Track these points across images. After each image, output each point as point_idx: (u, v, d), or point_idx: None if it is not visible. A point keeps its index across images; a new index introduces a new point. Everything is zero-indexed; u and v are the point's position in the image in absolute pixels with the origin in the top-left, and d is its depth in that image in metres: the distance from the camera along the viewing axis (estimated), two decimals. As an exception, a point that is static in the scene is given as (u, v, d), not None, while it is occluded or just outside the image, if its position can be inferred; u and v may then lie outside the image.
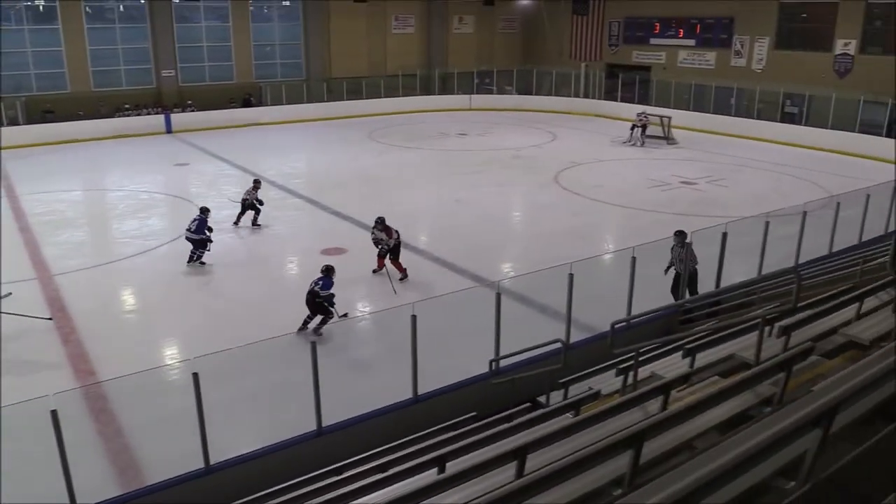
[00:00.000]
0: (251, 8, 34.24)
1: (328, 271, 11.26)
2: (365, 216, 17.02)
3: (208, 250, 14.30)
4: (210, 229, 14.37)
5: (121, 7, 31.56)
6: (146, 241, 16.05)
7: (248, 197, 16.95)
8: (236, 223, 16.92)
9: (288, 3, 35.65)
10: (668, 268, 11.84)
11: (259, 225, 17.01)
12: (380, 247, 13.55)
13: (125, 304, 12.98)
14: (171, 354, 10.95)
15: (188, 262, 14.27)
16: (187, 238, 14.35)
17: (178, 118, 30.72)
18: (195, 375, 6.93)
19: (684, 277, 11.58)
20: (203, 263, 14.32)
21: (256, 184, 17.29)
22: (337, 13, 35.92)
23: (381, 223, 13.62)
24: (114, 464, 8.11)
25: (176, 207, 19.27)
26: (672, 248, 11.88)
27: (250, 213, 16.85)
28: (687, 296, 11.48)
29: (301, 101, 33.78)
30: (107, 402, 9.17)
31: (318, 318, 11.26)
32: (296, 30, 35.85)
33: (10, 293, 11.31)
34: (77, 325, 11.63)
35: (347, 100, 34.67)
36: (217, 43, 33.69)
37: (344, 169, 23.42)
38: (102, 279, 13.82)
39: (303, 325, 11.24)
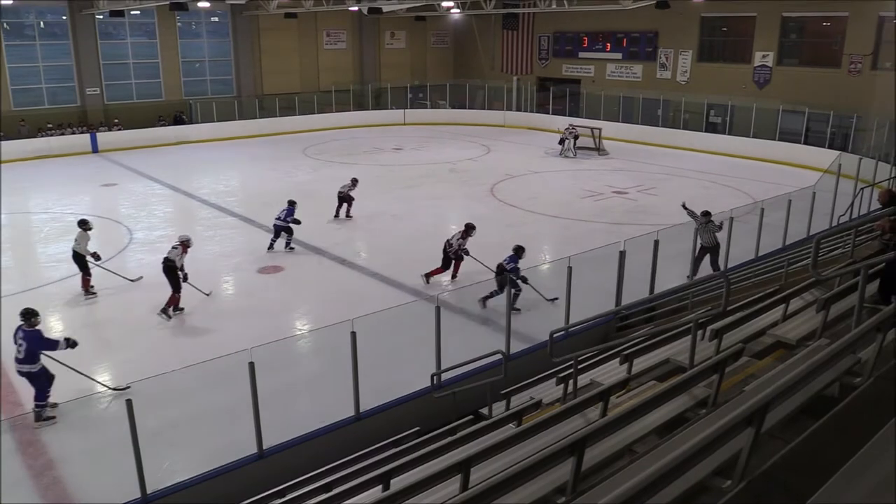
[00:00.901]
0: (179, 24, 33.63)
1: (517, 251, 12.33)
2: (301, 233, 16.87)
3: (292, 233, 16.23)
4: (297, 221, 16.11)
5: (41, 23, 30.57)
6: (74, 264, 15.50)
7: (343, 191, 18.93)
8: (336, 215, 18.96)
9: (217, 20, 35.13)
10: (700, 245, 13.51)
11: (351, 216, 18.96)
12: (462, 254, 13.87)
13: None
14: (103, 381, 10.57)
15: (268, 248, 16.14)
16: (276, 225, 16.10)
17: (104, 137, 29.87)
18: (129, 402, 6.72)
19: (717, 250, 13.47)
20: (293, 248, 16.22)
21: (354, 181, 19.20)
22: (267, 29, 35.60)
23: (474, 229, 13.99)
24: (44, 497, 7.78)
25: (104, 229, 18.67)
26: (699, 226, 13.46)
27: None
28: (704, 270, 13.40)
29: (232, 118, 33.26)
30: (35, 434, 8.80)
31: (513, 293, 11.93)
32: (225, 46, 35.37)
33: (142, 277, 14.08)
34: (2, 352, 11.12)
35: (280, 116, 34.32)
36: (144, 60, 32.97)
37: (278, 186, 23.12)
38: (29, 305, 13.26)
39: (487, 295, 12.42)
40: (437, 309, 9.10)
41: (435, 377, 9.05)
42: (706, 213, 13.57)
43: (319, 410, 8.86)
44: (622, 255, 11.57)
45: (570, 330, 9.82)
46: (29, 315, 9.08)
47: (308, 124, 34.52)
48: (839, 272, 7.03)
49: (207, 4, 30.32)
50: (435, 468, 4.71)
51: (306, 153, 29.35)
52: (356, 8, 30.92)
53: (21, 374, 9.06)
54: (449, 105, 38.78)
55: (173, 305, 12.54)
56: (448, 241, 13.93)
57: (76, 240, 13.60)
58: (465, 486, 4.48)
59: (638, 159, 27.44)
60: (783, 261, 11.29)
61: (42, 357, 9.09)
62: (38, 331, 9.11)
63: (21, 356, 8.88)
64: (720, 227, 13.38)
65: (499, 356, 8.88)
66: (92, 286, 13.72)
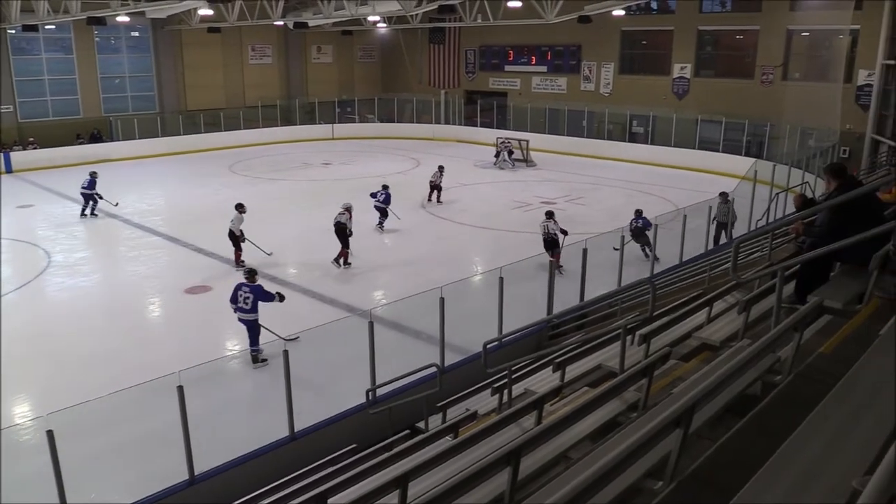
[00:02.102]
0: (97, 39, 32.63)
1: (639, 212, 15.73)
2: (229, 252, 16.54)
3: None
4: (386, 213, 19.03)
5: (-53, 39, 29.20)
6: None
7: (433, 180, 22.26)
8: (429, 201, 22.26)
9: (137, 34, 34.24)
10: (713, 219, 15.96)
11: (441, 202, 22.23)
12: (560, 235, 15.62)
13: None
14: (21, 412, 10.11)
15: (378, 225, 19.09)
16: (376, 207, 19.01)
17: (18, 157, 28.65)
18: (50, 433, 6.43)
19: (729, 229, 16.04)
20: (382, 228, 19.14)
21: (441, 169, 22.50)
22: (190, 44, 34.88)
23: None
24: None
25: (21, 253, 17.92)
26: (718, 206, 16.06)
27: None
28: (724, 238, 16.05)
29: (155, 135, 32.41)
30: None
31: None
32: (146, 61, 34.49)
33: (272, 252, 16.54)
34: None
35: (205, 132, 33.62)
36: (60, 76, 31.81)
37: (205, 203, 22.63)
38: None
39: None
40: (371, 324, 9.06)
41: (370, 393, 8.98)
42: (724, 194, 16.47)
43: (253, 432, 8.68)
44: (552, 263, 11.76)
45: (503, 340, 9.90)
46: (252, 273, 11.65)
47: (234, 140, 33.92)
48: (758, 275, 7.30)
49: (127, 19, 29.48)
50: (372, 485, 4.66)
51: (233, 170, 28.83)
52: (281, 22, 30.60)
53: (242, 321, 11.33)
54: (377, 119, 38.76)
55: (343, 258, 15.91)
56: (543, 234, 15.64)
57: (232, 220, 15.96)
58: (403, 501, 4.46)
59: (565, 170, 27.95)
60: (706, 265, 11.66)
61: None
62: (260, 285, 11.41)
63: (247, 307, 11.17)
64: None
65: (433, 369, 8.88)
66: (242, 261, 15.75)
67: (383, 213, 19.01)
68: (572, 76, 34.17)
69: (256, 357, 11.13)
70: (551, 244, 15.05)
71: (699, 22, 29.58)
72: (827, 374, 4.22)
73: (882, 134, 22.59)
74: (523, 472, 4.15)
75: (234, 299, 11.33)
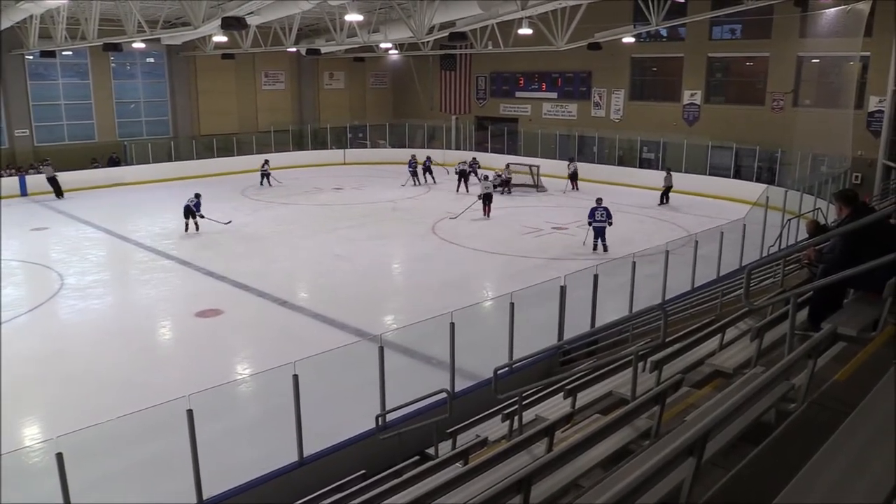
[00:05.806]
0: (113, 64, 33.10)
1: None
2: (240, 275, 16.60)
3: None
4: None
5: (-34, 65, 29.69)
6: None
7: (462, 167, 27.80)
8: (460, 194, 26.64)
9: (152, 60, 34.75)
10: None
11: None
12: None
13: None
14: (31, 434, 10.11)
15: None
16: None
17: (34, 180, 28.95)
18: (59, 456, 6.43)
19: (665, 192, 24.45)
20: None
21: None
22: (204, 70, 35.35)
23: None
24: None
25: (34, 275, 18.05)
26: (665, 178, 24.28)
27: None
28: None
29: (169, 160, 32.76)
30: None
31: None
32: (161, 87, 34.95)
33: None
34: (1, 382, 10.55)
35: (218, 157, 33.90)
36: (76, 101, 32.28)
37: (216, 227, 22.76)
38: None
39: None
40: (381, 349, 9.04)
41: (380, 418, 8.94)
42: (668, 168, 25.30)
43: (262, 457, 8.64)
44: (563, 289, 11.71)
45: (514, 366, 9.84)
46: (601, 199, 19.28)
47: (247, 165, 34.10)
48: (770, 301, 7.25)
49: (142, 45, 29.93)
50: (381, 511, 4.63)
51: (245, 194, 29.01)
52: (295, 49, 30.96)
53: (595, 228, 18.83)
54: (389, 144, 38.97)
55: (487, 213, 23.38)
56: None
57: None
58: (412, 528, 4.41)
59: (575, 195, 27.96)
60: (718, 291, 11.59)
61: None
62: (607, 208, 18.98)
63: (602, 219, 18.74)
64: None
65: (444, 395, 8.83)
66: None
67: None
68: (583, 102, 34.33)
69: (605, 247, 18.61)
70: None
71: (709, 49, 29.70)
72: (842, 401, 4.17)
73: (894, 160, 22.48)
74: (534, 499, 4.10)
75: (591, 215, 18.81)
